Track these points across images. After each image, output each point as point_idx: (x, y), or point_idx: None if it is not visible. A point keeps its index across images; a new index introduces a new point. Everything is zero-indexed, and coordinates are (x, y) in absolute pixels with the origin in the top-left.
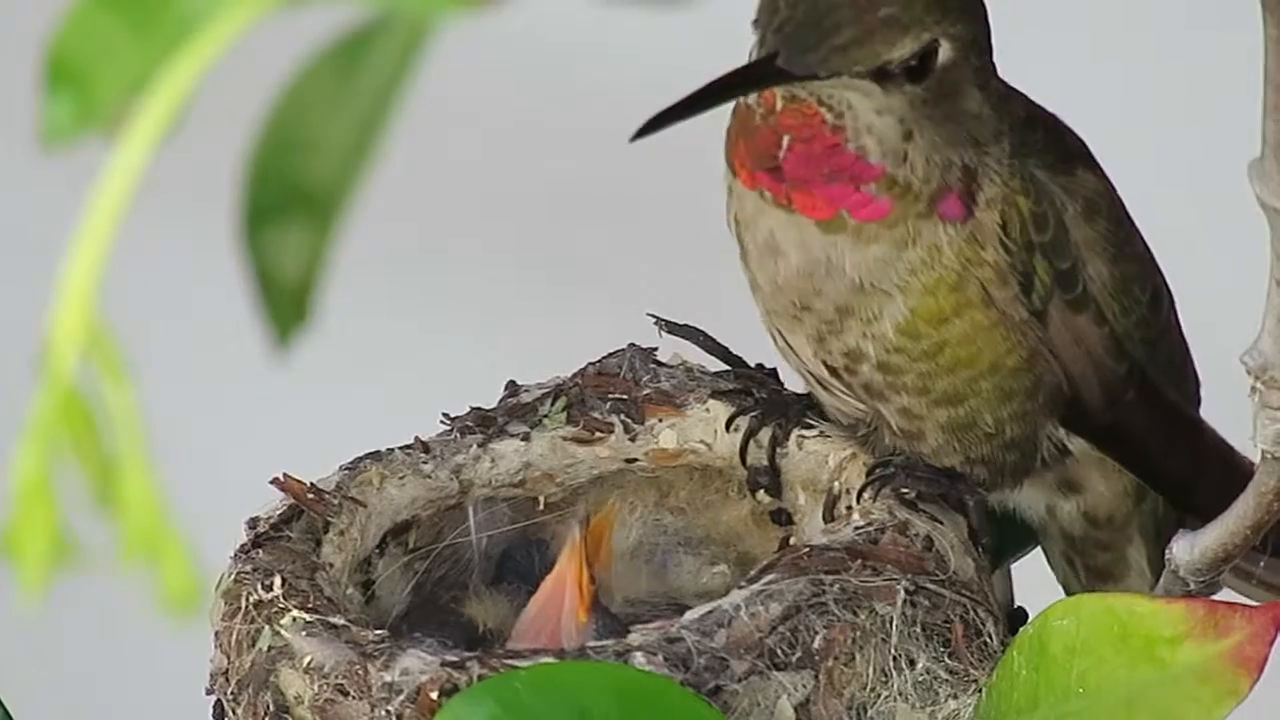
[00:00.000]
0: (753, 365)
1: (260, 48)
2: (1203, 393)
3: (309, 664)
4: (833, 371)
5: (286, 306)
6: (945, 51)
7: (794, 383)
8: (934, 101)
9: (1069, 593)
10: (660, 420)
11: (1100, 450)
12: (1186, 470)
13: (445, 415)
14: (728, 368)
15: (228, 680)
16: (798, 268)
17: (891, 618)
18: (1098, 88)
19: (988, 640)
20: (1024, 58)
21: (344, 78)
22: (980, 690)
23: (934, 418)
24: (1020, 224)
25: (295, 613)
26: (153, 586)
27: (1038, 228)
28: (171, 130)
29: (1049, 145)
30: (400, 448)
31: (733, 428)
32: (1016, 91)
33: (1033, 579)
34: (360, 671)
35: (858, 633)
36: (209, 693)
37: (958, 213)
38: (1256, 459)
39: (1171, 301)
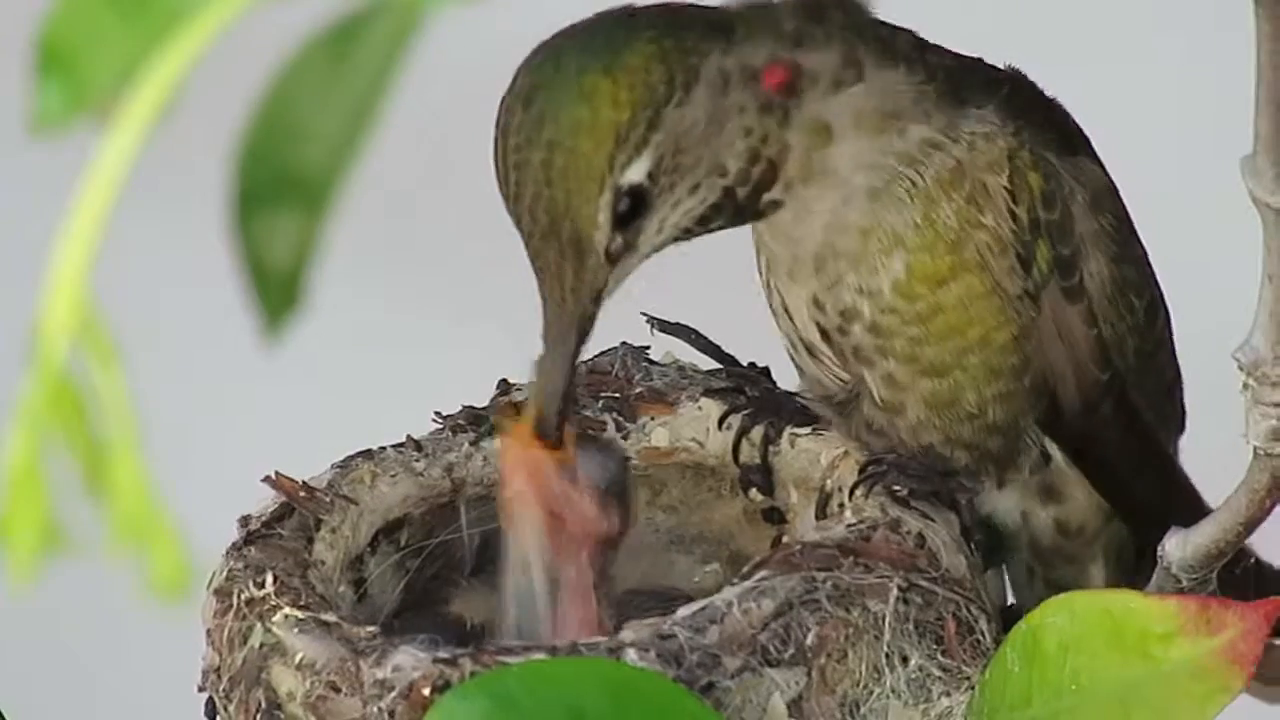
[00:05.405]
0: (745, 364)
1: (252, 34)
2: (1198, 390)
3: (301, 661)
4: (824, 334)
5: (277, 293)
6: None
7: (786, 382)
8: None
9: (1023, 606)
10: (652, 418)
11: (1069, 457)
12: (1154, 499)
13: (437, 413)
14: (720, 366)
15: (219, 677)
16: None
17: (884, 615)
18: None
19: (980, 637)
20: (1019, 56)
21: (336, 64)
22: (973, 688)
23: (917, 389)
24: (1030, 198)
25: (287, 610)
26: (142, 572)
27: (1046, 205)
28: (163, 117)
29: (1054, 129)
30: (392, 446)
31: (725, 426)
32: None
33: None
34: (352, 668)
35: (850, 630)
36: (201, 690)
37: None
38: (1248, 456)
39: (1168, 319)
